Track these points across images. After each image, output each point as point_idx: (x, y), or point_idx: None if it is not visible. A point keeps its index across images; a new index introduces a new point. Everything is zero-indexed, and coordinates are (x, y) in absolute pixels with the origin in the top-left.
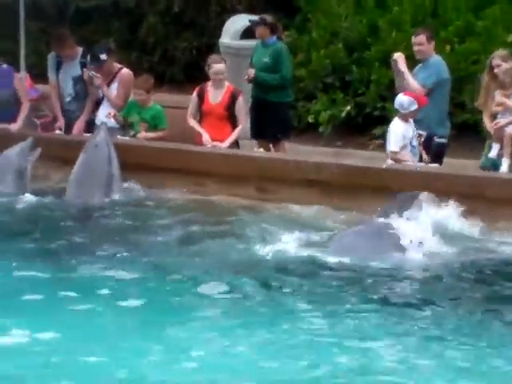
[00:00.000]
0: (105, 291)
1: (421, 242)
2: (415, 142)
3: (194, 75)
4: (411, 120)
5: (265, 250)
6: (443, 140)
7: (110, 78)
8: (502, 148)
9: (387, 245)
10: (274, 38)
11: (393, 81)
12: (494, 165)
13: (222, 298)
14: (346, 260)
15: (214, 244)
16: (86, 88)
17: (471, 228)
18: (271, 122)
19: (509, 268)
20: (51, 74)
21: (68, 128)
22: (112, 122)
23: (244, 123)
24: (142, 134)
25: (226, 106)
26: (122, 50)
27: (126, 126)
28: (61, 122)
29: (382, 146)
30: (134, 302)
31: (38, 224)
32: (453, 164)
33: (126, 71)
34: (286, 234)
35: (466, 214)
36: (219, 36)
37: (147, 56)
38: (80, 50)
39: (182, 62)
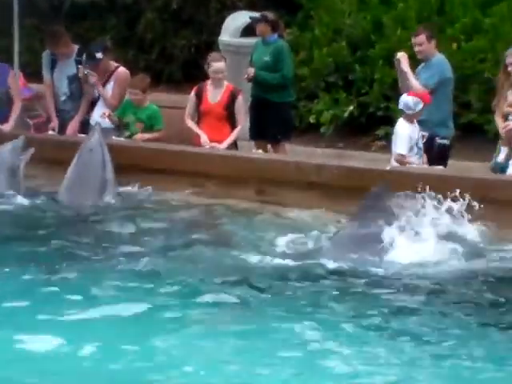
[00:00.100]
0: (96, 297)
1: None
2: (421, 144)
3: (192, 74)
4: (415, 121)
5: (263, 255)
6: (446, 141)
7: (106, 77)
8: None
9: (382, 247)
10: (275, 35)
11: (397, 80)
12: (502, 169)
13: (217, 305)
14: (343, 264)
15: (210, 248)
16: (82, 87)
17: (475, 231)
18: (271, 122)
19: None
20: (46, 73)
21: (62, 128)
22: (107, 123)
23: (243, 123)
24: (139, 136)
25: (225, 106)
26: (118, 48)
27: (120, 127)
28: (55, 123)
29: (386, 148)
30: (126, 308)
31: (30, 227)
32: (458, 166)
33: (122, 70)
34: (285, 237)
35: (471, 217)
36: (219, 33)
37: (144, 54)
38: (75, 47)
39: (180, 61)
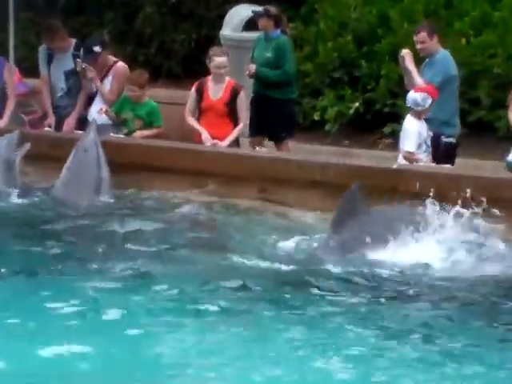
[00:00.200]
0: (88, 299)
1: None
2: (429, 141)
3: (192, 69)
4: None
5: (265, 256)
6: (452, 139)
7: (104, 72)
8: None
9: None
10: (278, 31)
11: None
12: None
13: (215, 307)
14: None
15: (209, 250)
16: (79, 83)
17: (484, 233)
18: (273, 119)
19: None
20: (42, 68)
21: (58, 125)
22: (104, 118)
23: (245, 120)
24: (138, 133)
25: (226, 102)
26: (116, 43)
27: (118, 122)
28: (51, 119)
29: (393, 145)
30: (121, 311)
31: (22, 227)
32: (467, 164)
33: (121, 65)
34: (287, 238)
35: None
36: (220, 27)
37: (143, 49)
38: (73, 41)
39: (179, 55)
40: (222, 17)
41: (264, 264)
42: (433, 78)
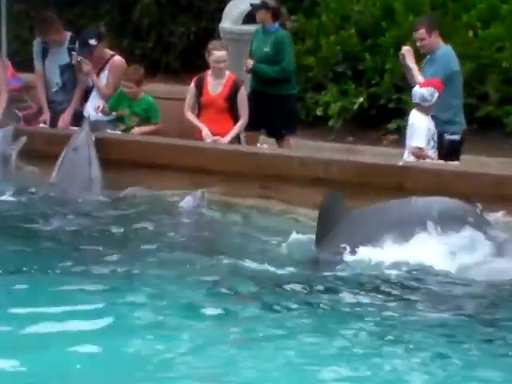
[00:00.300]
0: (83, 299)
1: None
2: (436, 137)
3: (191, 63)
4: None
5: (266, 256)
6: (455, 137)
7: (100, 66)
8: None
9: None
10: (276, 25)
11: None
12: None
13: (214, 309)
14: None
15: (209, 249)
16: (75, 77)
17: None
18: (272, 115)
19: None
20: (37, 62)
21: (53, 121)
22: (100, 116)
23: (246, 116)
24: (136, 130)
25: (226, 98)
26: (112, 36)
27: (115, 116)
28: (46, 115)
29: (397, 142)
30: (117, 310)
31: (12, 225)
32: (474, 161)
33: (117, 58)
34: (289, 237)
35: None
36: (219, 20)
37: (140, 42)
38: (68, 35)
39: (178, 49)
40: (221, 9)
41: (265, 264)
42: (434, 75)
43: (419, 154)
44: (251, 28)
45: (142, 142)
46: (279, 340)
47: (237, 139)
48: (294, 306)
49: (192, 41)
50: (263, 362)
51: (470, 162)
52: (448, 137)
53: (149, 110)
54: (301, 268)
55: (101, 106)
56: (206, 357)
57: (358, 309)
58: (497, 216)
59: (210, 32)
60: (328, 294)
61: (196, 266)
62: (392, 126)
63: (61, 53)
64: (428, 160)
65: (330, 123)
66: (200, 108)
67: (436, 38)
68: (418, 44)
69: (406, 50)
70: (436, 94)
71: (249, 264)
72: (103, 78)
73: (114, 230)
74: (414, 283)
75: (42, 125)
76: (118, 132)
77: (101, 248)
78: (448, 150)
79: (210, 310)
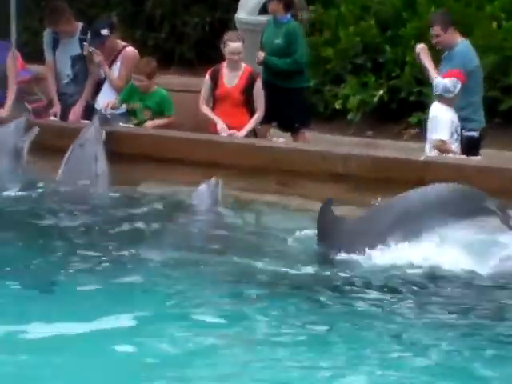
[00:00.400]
0: (88, 297)
1: None
2: (459, 130)
3: (206, 54)
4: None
5: (282, 254)
6: (474, 133)
7: (112, 57)
8: None
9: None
10: (288, 16)
11: None
12: None
13: (226, 310)
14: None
15: (223, 246)
16: (86, 69)
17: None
18: (285, 109)
19: None
20: (47, 54)
21: (64, 114)
22: (110, 111)
23: (263, 109)
24: (149, 124)
25: (242, 90)
26: (124, 26)
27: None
28: (57, 108)
29: (418, 136)
30: (121, 313)
31: (19, 220)
32: (497, 156)
33: (130, 49)
34: (306, 234)
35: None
36: (234, 10)
37: (153, 32)
38: (79, 25)
39: (192, 40)
40: None
41: (281, 262)
42: None
43: (442, 147)
44: (267, 19)
45: (155, 135)
46: (290, 340)
47: (253, 133)
48: (306, 306)
49: (207, 31)
50: (275, 363)
51: (492, 157)
52: (466, 133)
53: (162, 103)
54: (316, 267)
55: (110, 105)
56: (218, 357)
57: (374, 309)
58: None
59: (225, 22)
60: (342, 294)
61: (210, 265)
62: (413, 119)
63: (72, 43)
64: (450, 154)
65: (349, 117)
66: (215, 101)
67: (452, 34)
68: (434, 41)
69: (420, 47)
70: (459, 85)
71: (264, 262)
72: (115, 70)
73: (121, 227)
74: (428, 283)
75: (52, 118)
76: (131, 125)
77: (108, 244)
78: (466, 147)
79: (222, 311)
